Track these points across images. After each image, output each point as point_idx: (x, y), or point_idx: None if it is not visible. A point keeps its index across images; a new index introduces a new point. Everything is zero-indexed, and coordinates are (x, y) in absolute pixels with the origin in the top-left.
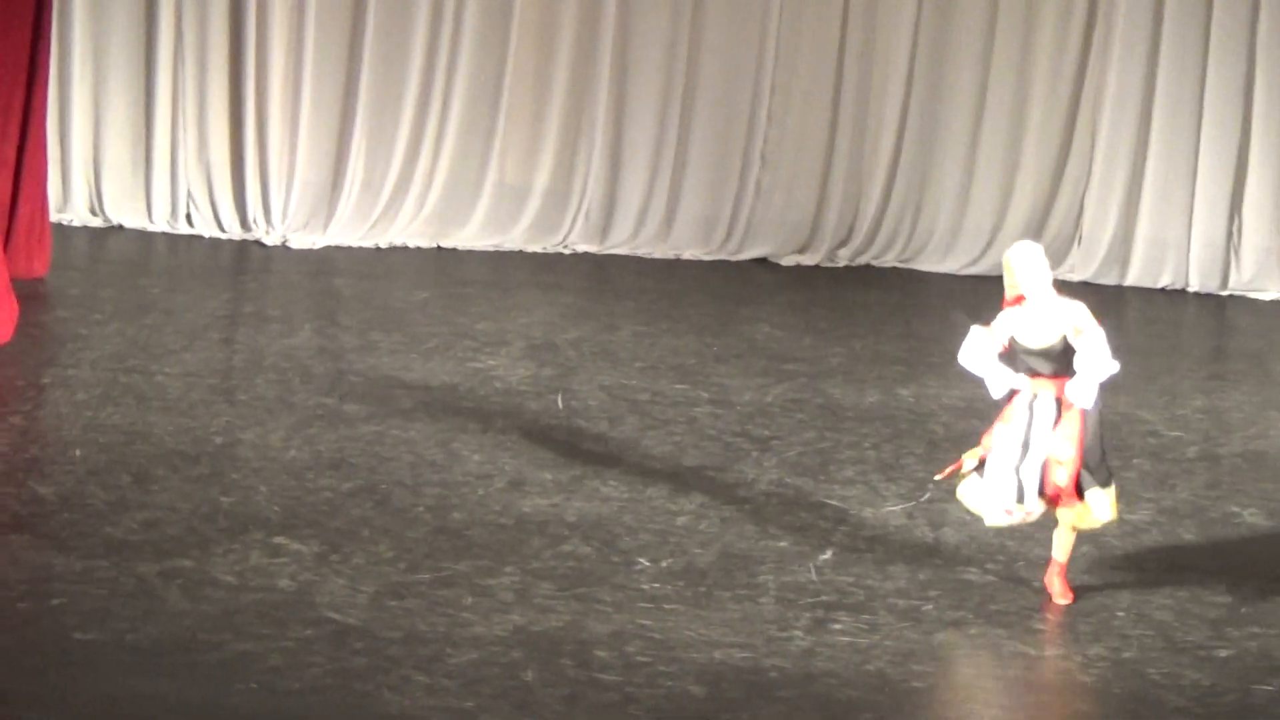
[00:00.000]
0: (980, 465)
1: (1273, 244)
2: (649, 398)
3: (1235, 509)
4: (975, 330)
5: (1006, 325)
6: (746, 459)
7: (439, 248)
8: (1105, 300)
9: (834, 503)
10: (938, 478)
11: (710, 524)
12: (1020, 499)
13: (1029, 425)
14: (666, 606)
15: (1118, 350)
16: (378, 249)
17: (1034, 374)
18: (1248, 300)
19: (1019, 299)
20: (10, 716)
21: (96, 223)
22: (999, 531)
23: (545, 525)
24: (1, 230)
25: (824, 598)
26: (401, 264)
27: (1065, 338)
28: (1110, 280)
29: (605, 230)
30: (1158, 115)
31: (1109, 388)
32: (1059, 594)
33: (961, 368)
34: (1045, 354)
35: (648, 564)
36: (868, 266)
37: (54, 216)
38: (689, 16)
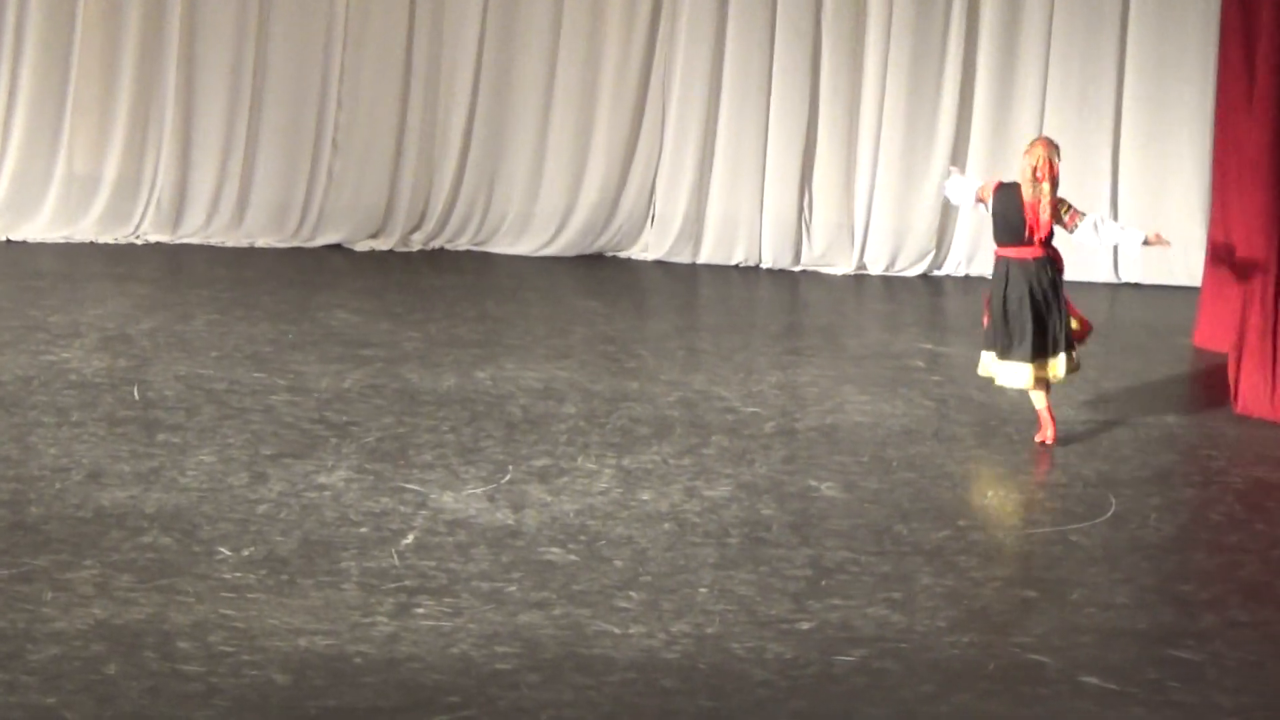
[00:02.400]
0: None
1: (842, 219)
2: (226, 387)
3: (813, 483)
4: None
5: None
6: (325, 446)
7: (8, 240)
8: (679, 278)
9: (414, 487)
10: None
11: (291, 512)
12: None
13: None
14: (249, 595)
15: (694, 329)
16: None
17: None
18: (820, 275)
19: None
20: None
21: None
22: (596, 502)
23: (124, 517)
24: None
25: (407, 582)
26: None
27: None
28: (684, 259)
29: (177, 220)
30: (726, 94)
31: (687, 364)
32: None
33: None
34: None
35: (229, 553)
36: (441, 250)
37: None
38: (256, 1)
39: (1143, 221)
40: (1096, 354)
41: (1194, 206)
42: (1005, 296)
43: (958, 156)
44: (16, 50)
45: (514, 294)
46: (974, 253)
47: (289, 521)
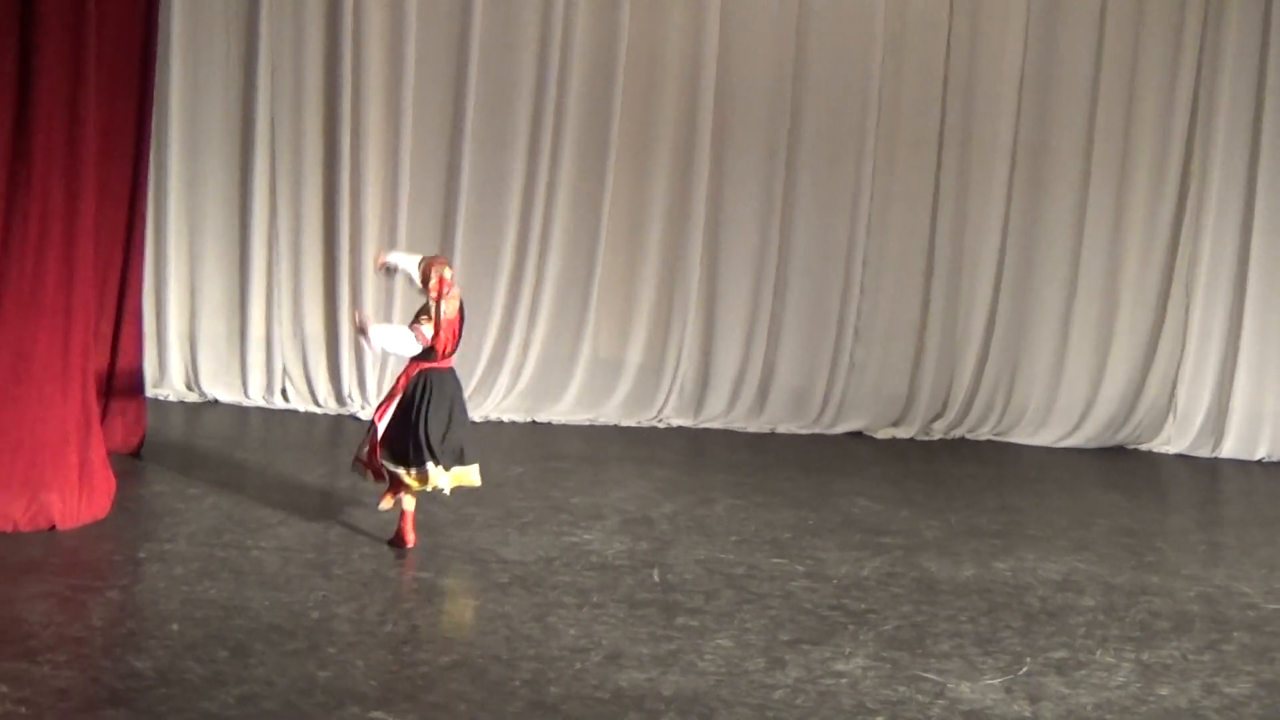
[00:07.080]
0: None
1: None
2: (745, 571)
3: None
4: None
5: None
6: (843, 632)
7: (534, 422)
8: (1200, 472)
9: (931, 676)
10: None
11: (807, 698)
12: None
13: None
14: None
15: (1215, 523)
16: (473, 423)
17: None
18: None
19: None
20: None
21: (192, 397)
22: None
23: (642, 700)
24: (98, 405)
25: None
26: (496, 438)
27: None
28: (1205, 452)
29: (699, 404)
30: (1252, 288)
31: (1208, 559)
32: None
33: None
34: None
35: None
36: (962, 440)
37: (150, 392)
38: (780, 191)
39: None
40: None
41: None
42: (431, 405)
43: None
44: (544, 240)
45: (1034, 485)
46: None
47: (805, 708)
